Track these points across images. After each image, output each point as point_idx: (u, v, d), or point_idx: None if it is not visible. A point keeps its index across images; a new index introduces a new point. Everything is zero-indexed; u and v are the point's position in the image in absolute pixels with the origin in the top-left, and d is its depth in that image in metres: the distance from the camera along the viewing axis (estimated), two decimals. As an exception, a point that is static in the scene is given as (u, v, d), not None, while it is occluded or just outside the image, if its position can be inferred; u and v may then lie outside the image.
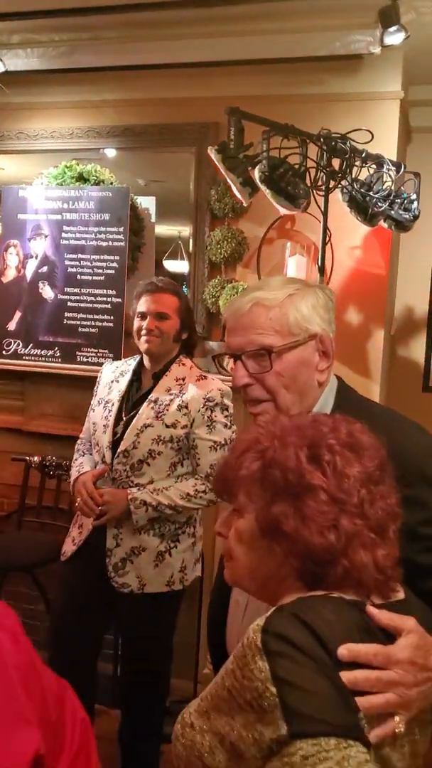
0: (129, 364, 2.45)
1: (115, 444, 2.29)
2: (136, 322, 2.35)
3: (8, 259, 3.24)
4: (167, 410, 2.27)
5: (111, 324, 3.05)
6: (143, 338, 2.31)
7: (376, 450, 0.95)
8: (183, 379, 2.33)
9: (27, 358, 3.18)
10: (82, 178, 3.13)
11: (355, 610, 0.86)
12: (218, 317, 3.03)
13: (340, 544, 0.86)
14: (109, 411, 2.33)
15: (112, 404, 2.35)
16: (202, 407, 2.27)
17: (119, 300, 3.05)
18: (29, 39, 2.92)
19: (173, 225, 3.29)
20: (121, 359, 2.86)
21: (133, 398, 2.35)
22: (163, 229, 3.24)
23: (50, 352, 3.16)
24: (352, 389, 1.34)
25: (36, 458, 3.09)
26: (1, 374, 3.27)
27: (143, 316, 2.32)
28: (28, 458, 3.15)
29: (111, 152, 3.23)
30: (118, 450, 2.26)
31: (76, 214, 3.11)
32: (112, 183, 3.14)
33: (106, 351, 3.05)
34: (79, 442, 2.53)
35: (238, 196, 2.45)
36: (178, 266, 3.32)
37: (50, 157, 3.25)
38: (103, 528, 2.29)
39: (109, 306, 3.05)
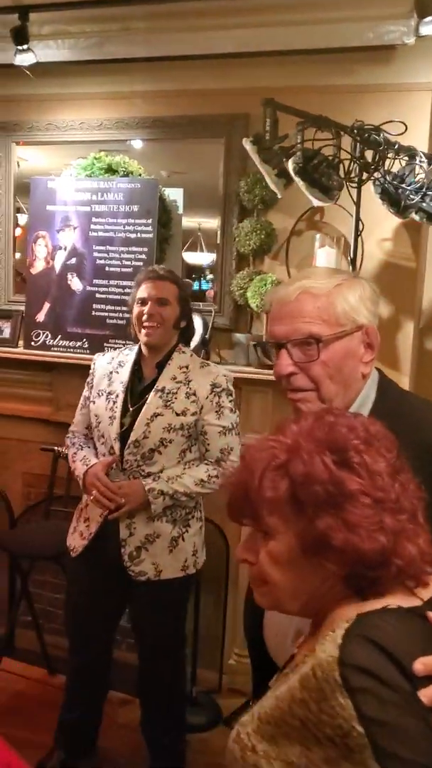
0: (126, 355, 2.44)
1: (122, 435, 2.30)
2: (136, 309, 2.36)
3: (37, 250, 3.25)
4: (175, 398, 2.30)
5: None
6: (144, 326, 2.32)
7: (388, 438, 0.94)
8: (187, 367, 2.37)
9: (55, 349, 3.20)
10: (110, 170, 3.13)
11: (416, 619, 0.84)
12: (245, 309, 3.03)
13: (390, 543, 0.85)
14: (114, 402, 2.33)
15: (116, 395, 2.34)
16: (210, 393, 2.32)
17: (147, 292, 3.05)
18: (60, 30, 2.92)
19: (195, 217, 3.28)
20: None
21: (137, 389, 2.36)
22: (184, 221, 3.24)
23: (78, 344, 3.17)
24: (393, 382, 1.34)
25: (64, 449, 3.11)
26: (29, 365, 3.30)
27: (144, 302, 2.34)
28: (56, 448, 3.17)
29: (138, 144, 3.23)
30: (129, 440, 2.28)
31: (104, 206, 3.11)
32: (140, 175, 3.14)
33: (133, 342, 3.05)
34: (70, 435, 2.52)
35: (273, 187, 2.44)
36: (196, 258, 3.33)
37: (78, 148, 3.26)
38: (113, 519, 2.30)
39: (136, 298, 3.06)
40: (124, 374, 2.38)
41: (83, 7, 2.73)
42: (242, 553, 0.95)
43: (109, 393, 2.36)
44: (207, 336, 2.99)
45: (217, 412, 2.32)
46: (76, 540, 2.39)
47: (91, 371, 2.49)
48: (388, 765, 0.73)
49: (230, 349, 3.08)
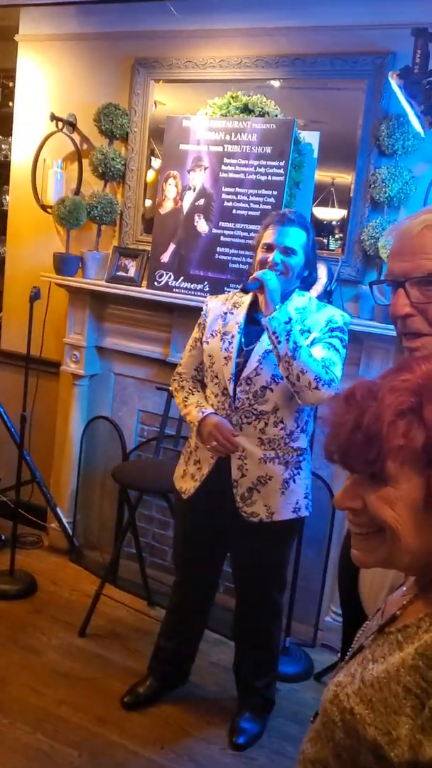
0: (242, 297, 2.39)
1: (236, 375, 2.28)
2: (260, 253, 2.30)
3: (167, 190, 3.24)
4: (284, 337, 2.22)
5: (264, 261, 3.00)
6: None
7: None
8: (304, 309, 2.32)
9: (177, 290, 3.20)
10: (246, 110, 3.06)
11: None
12: (375, 260, 2.90)
13: None
14: (230, 343, 2.30)
15: (232, 336, 2.31)
16: (325, 327, 2.28)
17: (273, 237, 2.98)
18: (206, -39, 2.85)
19: (328, 171, 3.14)
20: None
21: (252, 330, 2.31)
22: (317, 175, 3.11)
23: (199, 287, 3.16)
24: None
25: (172, 389, 3.13)
26: (151, 305, 3.33)
27: (270, 247, 2.28)
28: (170, 388, 3.20)
29: (277, 84, 3.13)
30: (241, 377, 2.26)
31: (237, 147, 3.05)
32: (276, 115, 3.04)
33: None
34: (177, 377, 2.50)
35: (416, 125, 2.30)
36: (327, 213, 3.20)
37: (216, 87, 3.19)
38: (225, 460, 2.30)
39: (263, 242, 3.00)
40: (240, 315, 2.35)
41: None
42: (346, 501, 0.86)
43: (224, 333, 2.34)
44: (332, 287, 2.90)
45: (328, 342, 2.25)
46: (188, 482, 2.41)
47: (203, 312, 2.47)
48: None
49: (355, 302, 2.98)
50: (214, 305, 2.45)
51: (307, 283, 2.42)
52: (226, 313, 2.38)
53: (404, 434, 0.79)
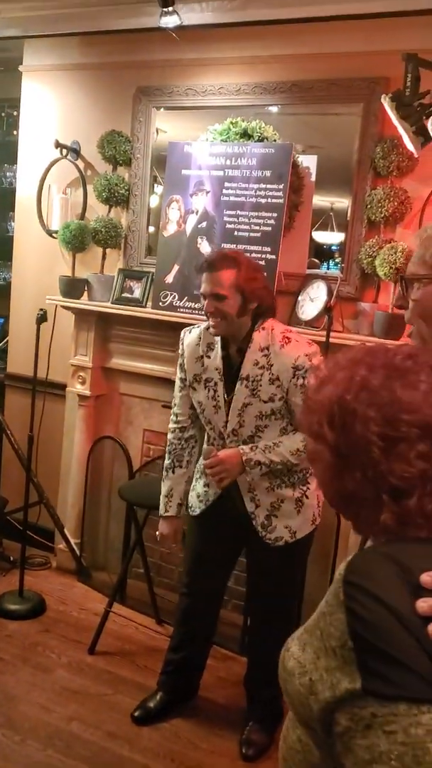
0: (213, 337, 2.36)
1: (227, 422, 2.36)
2: (202, 301, 2.32)
3: (170, 213, 3.33)
4: (260, 386, 2.28)
5: (264, 281, 3.07)
6: (211, 320, 2.27)
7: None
8: (267, 348, 2.28)
9: (182, 310, 3.27)
10: (246, 135, 3.15)
11: None
12: (372, 278, 2.96)
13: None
14: (215, 391, 2.36)
15: (214, 383, 2.36)
16: (293, 377, 2.26)
17: (273, 257, 3.05)
18: (206, -7, 2.96)
19: (327, 196, 3.23)
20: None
21: (229, 374, 2.34)
22: (315, 200, 3.19)
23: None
24: None
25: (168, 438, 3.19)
26: (156, 325, 3.39)
27: (203, 296, 2.29)
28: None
29: (275, 109, 3.22)
30: (227, 430, 2.35)
31: (237, 171, 3.13)
32: (275, 140, 3.13)
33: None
34: (175, 424, 2.56)
35: (410, 146, 2.38)
36: (326, 237, 3.28)
37: (215, 114, 3.29)
38: (236, 491, 2.38)
39: (263, 263, 3.06)
40: (217, 360, 2.37)
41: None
42: None
43: (207, 380, 2.38)
44: (331, 304, 2.96)
45: (302, 393, 2.23)
46: (193, 499, 2.52)
47: (180, 352, 2.48)
48: (367, 678, 0.74)
49: (354, 319, 3.04)
50: (188, 344, 2.44)
51: (260, 315, 2.32)
52: (202, 357, 2.39)
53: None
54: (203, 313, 2.34)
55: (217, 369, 2.35)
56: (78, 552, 3.71)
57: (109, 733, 2.55)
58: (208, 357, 2.37)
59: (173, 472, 2.55)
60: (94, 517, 3.76)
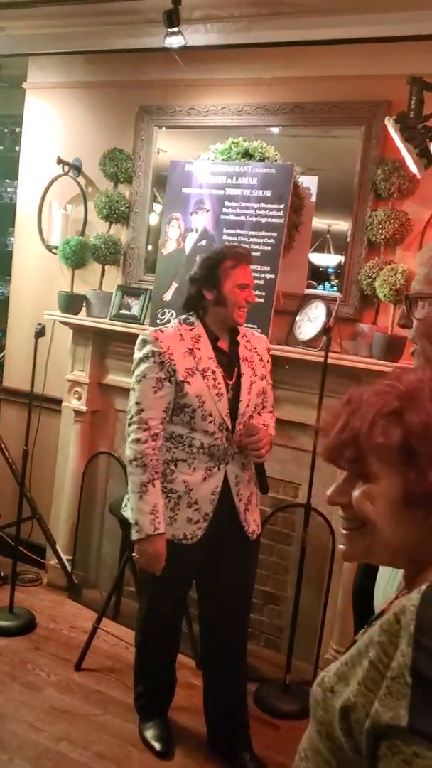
0: (190, 330, 2.35)
1: (231, 410, 2.37)
2: (237, 293, 2.33)
3: (170, 231, 3.34)
4: (254, 365, 2.43)
5: (262, 300, 3.07)
6: (243, 309, 2.37)
7: None
8: (245, 336, 2.49)
9: (179, 327, 3.27)
10: (247, 154, 3.17)
11: None
12: (372, 300, 2.97)
13: None
14: (214, 379, 2.32)
15: (212, 371, 2.33)
16: (268, 355, 2.52)
17: (272, 276, 3.06)
18: (210, 14, 2.99)
19: (325, 218, 3.25)
20: (267, 334, 2.89)
21: (223, 361, 2.38)
22: (314, 222, 3.21)
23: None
24: None
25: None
26: (153, 342, 3.38)
27: (245, 287, 2.36)
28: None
29: (276, 131, 3.25)
30: (240, 412, 2.36)
31: (238, 190, 3.15)
32: (276, 160, 3.15)
33: (255, 326, 3.07)
34: (145, 432, 2.27)
35: (413, 167, 2.40)
36: (323, 259, 3.29)
37: (216, 134, 3.32)
38: (226, 492, 2.38)
39: (262, 282, 3.07)
40: (207, 349, 2.36)
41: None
42: (335, 497, 0.92)
43: (203, 370, 2.31)
44: (330, 324, 2.96)
45: (269, 372, 2.52)
46: (187, 527, 2.33)
47: (157, 350, 2.28)
48: (416, 717, 0.72)
49: (352, 340, 3.04)
50: (170, 342, 2.31)
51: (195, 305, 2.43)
52: (191, 349, 2.33)
53: (383, 433, 0.86)
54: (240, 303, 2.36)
55: (210, 358, 2.35)
56: (69, 569, 3.67)
57: (98, 754, 2.51)
58: (198, 349, 2.34)
59: (153, 485, 2.28)
60: (86, 533, 3.73)
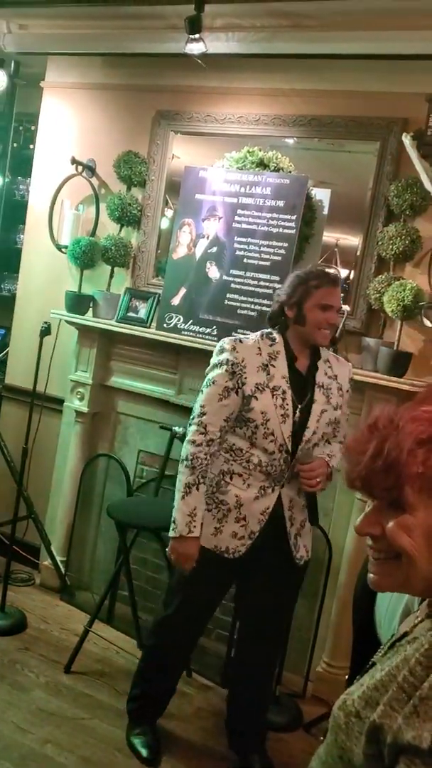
0: (270, 346, 2.33)
1: (294, 433, 2.30)
2: (318, 313, 2.29)
3: (181, 236, 3.34)
4: (331, 393, 2.38)
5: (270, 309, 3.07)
6: (325, 331, 2.31)
7: None
8: (329, 360, 2.44)
9: (185, 333, 3.27)
10: (262, 164, 3.18)
11: None
12: (379, 314, 2.97)
13: None
14: (283, 399, 2.27)
15: (282, 391, 2.28)
16: (349, 386, 2.47)
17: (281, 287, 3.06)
18: (232, 24, 2.99)
19: (335, 232, 3.25)
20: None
21: (297, 384, 2.32)
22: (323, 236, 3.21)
23: (208, 330, 3.22)
24: None
25: (180, 429, 3.17)
26: (159, 346, 3.39)
27: (327, 308, 2.30)
28: (173, 428, 3.24)
29: (291, 142, 3.25)
30: (304, 437, 2.31)
31: (251, 199, 3.15)
32: (290, 171, 3.16)
33: (274, 331, 3.06)
34: (202, 436, 2.28)
35: (427, 185, 2.40)
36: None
37: (232, 141, 3.32)
38: (278, 513, 2.34)
39: (270, 291, 3.07)
40: (283, 368, 2.31)
41: (258, 1, 2.78)
42: (366, 527, 0.89)
43: (274, 388, 2.28)
44: (337, 336, 2.96)
45: (347, 402, 2.47)
46: (231, 541, 2.33)
47: (230, 359, 2.28)
48: None
49: (358, 354, 3.04)
50: (247, 352, 2.30)
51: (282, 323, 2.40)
52: (266, 365, 2.30)
53: (423, 462, 0.82)
54: (323, 325, 2.31)
55: (284, 377, 2.30)
56: (63, 570, 3.65)
57: (84, 759, 2.49)
58: (273, 366, 2.31)
59: (197, 489, 2.27)
60: (82, 535, 3.72)
